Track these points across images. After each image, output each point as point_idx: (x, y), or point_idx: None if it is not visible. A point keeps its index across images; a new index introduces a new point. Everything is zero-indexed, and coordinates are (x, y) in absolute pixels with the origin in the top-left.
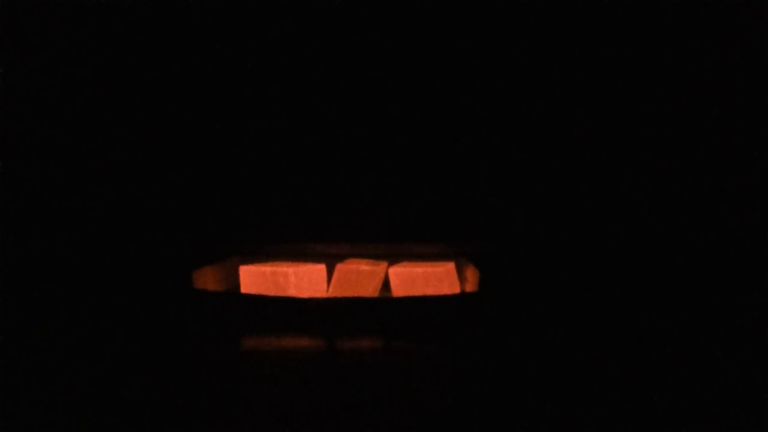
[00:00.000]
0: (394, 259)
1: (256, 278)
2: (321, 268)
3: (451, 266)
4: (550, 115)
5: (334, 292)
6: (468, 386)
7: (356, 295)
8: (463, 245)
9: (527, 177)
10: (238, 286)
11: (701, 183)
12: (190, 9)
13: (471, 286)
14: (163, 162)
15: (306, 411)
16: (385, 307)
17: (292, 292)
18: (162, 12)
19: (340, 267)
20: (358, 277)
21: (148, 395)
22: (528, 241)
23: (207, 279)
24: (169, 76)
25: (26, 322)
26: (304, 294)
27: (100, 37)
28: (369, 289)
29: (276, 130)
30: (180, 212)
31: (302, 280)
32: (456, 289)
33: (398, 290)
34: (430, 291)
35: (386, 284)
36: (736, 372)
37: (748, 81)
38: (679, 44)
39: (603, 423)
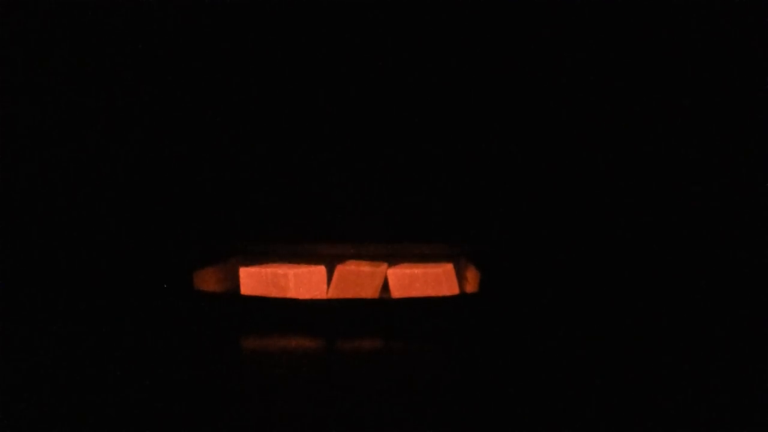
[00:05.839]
0: (394, 259)
1: (256, 279)
2: (321, 270)
3: (449, 267)
4: (550, 115)
5: (333, 293)
6: (467, 386)
7: (356, 296)
8: (463, 245)
9: (527, 177)
10: (238, 287)
11: (701, 183)
12: (191, 10)
13: (471, 287)
14: (164, 163)
15: (306, 411)
16: (384, 308)
17: (292, 293)
18: (162, 12)
19: (340, 268)
20: (358, 278)
21: (148, 395)
22: (528, 242)
23: (207, 280)
24: (171, 77)
25: (27, 322)
26: (304, 295)
27: (100, 36)
28: (369, 290)
29: (276, 132)
30: (181, 213)
31: (302, 281)
32: (455, 289)
33: (397, 291)
34: (429, 292)
35: (386, 285)
36: (736, 372)
37: (748, 81)
38: (677, 44)
39: (603, 422)
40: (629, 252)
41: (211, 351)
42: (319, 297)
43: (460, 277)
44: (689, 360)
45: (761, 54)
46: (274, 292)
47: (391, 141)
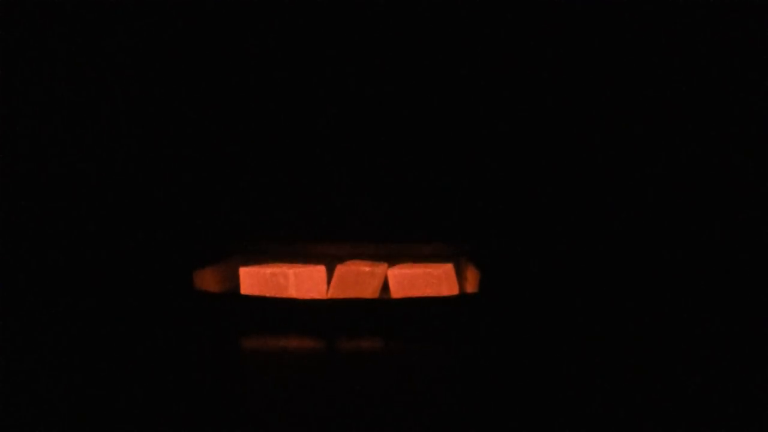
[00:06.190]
0: (394, 259)
1: (256, 279)
2: (321, 269)
3: (449, 267)
4: (550, 115)
5: (333, 293)
6: (467, 387)
7: (356, 296)
8: (463, 245)
9: (527, 177)
10: (238, 286)
11: (701, 183)
12: (189, 8)
13: (471, 287)
14: (164, 163)
15: (306, 411)
16: (384, 308)
17: (292, 293)
18: (161, 10)
19: (340, 268)
20: (358, 278)
21: (148, 395)
22: (528, 241)
23: (207, 280)
24: (171, 76)
25: (27, 322)
26: (304, 295)
27: (100, 35)
28: (369, 290)
29: (276, 131)
30: (181, 213)
31: (302, 281)
32: (455, 289)
33: (397, 291)
34: (429, 292)
35: (386, 285)
36: (736, 372)
37: (748, 80)
38: (677, 43)
39: (603, 423)
40: (630, 252)
41: (211, 351)
42: (318, 297)
43: (460, 277)
44: (689, 360)
45: (761, 54)
46: (273, 292)
47: (391, 140)
